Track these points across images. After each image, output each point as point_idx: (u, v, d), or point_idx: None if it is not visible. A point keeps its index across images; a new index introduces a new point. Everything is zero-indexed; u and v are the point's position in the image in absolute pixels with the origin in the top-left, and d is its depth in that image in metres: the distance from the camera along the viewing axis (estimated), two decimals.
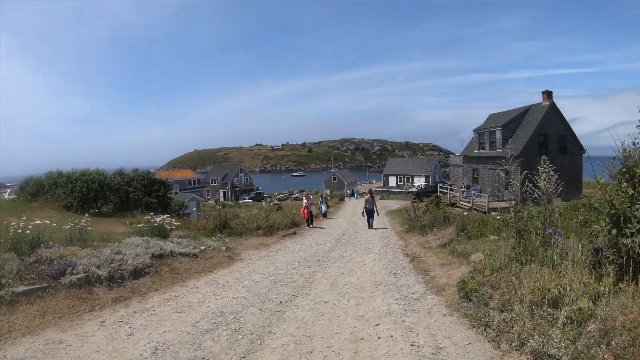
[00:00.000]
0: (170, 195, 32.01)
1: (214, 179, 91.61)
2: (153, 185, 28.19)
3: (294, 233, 18.10)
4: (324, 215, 26.71)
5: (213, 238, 13.69)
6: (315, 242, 15.51)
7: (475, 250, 10.14)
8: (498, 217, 21.25)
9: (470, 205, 30.23)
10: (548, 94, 32.39)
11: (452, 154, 78.92)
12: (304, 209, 20.27)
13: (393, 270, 9.72)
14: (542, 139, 31.57)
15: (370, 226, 19.46)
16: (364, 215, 19.97)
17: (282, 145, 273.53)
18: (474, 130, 37.96)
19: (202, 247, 11.75)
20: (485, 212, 26.38)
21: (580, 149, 33.16)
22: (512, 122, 33.46)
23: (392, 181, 78.26)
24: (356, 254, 12.49)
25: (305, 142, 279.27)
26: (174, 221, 13.58)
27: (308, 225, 20.39)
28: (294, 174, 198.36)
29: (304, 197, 21.14)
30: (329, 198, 39.37)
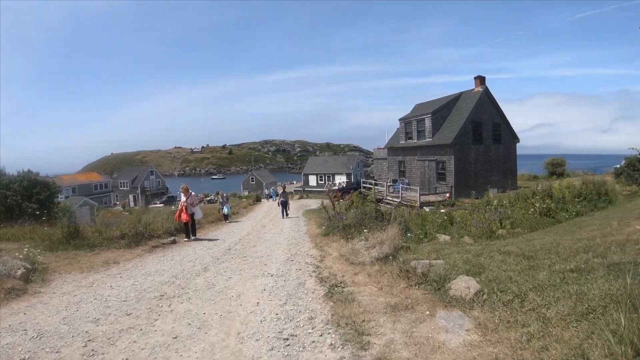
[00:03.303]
0: (57, 199, 24.79)
1: (123, 183, 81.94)
2: (33, 188, 21.07)
3: (173, 242, 12.49)
4: (226, 218, 20.70)
5: (18, 254, 7.99)
6: (191, 255, 10.23)
7: (452, 268, 5.13)
8: (442, 211, 16.79)
9: (399, 201, 25.97)
10: (481, 80, 28.88)
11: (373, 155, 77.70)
12: (181, 211, 13.33)
13: (287, 327, 4.53)
14: (475, 127, 28.04)
15: (284, 215, 21.64)
16: (279, 206, 23.20)
17: (202, 147, 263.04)
18: (400, 119, 33.91)
19: None
20: (415, 207, 21.97)
21: (515, 138, 30.16)
22: (442, 109, 29.72)
23: (313, 180, 74.68)
24: (238, 277, 7.30)
25: (225, 144, 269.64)
26: None
27: (188, 237, 13.18)
28: (214, 176, 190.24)
29: (182, 194, 13.50)
30: (230, 198, 32.99)
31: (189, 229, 13.20)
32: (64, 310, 5.43)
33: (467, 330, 3.71)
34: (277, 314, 4.96)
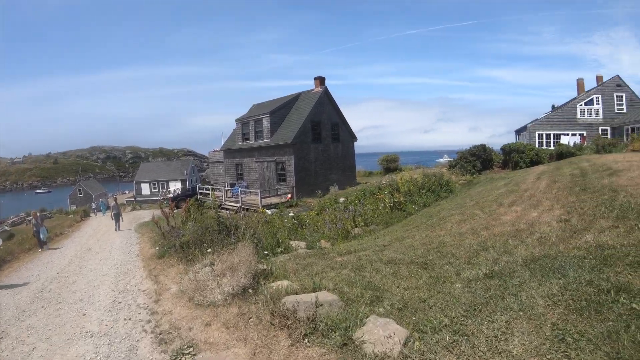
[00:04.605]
0: None
1: None
2: None
3: None
4: (43, 244, 15.87)
5: None
6: None
7: (349, 303, 3.65)
8: (290, 215, 15.49)
9: (239, 205, 24.15)
10: (321, 80, 28.71)
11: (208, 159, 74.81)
12: None
13: None
14: (315, 126, 27.66)
15: (117, 228, 20.52)
16: (112, 219, 21.70)
17: (24, 157, 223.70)
18: (237, 120, 31.97)
19: None
20: (262, 212, 20.51)
21: (353, 137, 30.53)
22: (281, 108, 28.73)
23: (146, 189, 68.60)
24: (45, 346, 4.90)
25: (50, 153, 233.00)
26: None
27: None
28: (38, 190, 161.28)
29: None
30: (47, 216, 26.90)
31: None
32: None
33: None
34: None
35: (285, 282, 4.85)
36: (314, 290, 4.29)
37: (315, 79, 28.74)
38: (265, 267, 5.70)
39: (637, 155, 13.06)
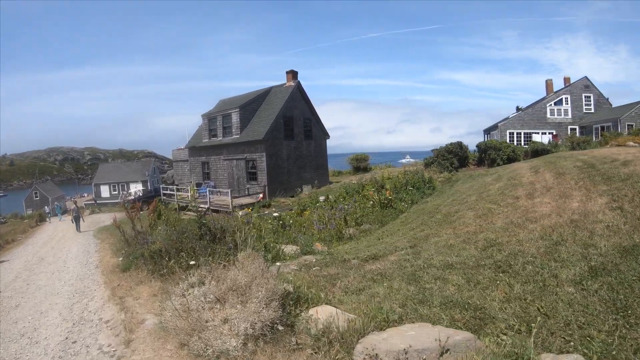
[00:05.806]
0: None
1: None
2: None
3: None
4: None
5: None
6: None
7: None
8: (275, 215, 13.93)
9: (207, 206, 22.25)
10: (294, 74, 27.19)
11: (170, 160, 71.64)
12: None
13: None
14: (287, 122, 26.06)
15: (78, 230, 20.46)
16: (72, 222, 21.82)
17: None
18: (203, 115, 29.85)
19: None
20: (250, 213, 18.79)
21: (325, 134, 29.22)
22: (251, 103, 27.02)
23: (105, 191, 65.20)
24: None
25: (6, 154, 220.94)
26: None
27: None
28: None
29: None
30: None
31: None
32: None
33: None
34: None
35: (331, 310, 3.35)
36: (387, 321, 2.83)
37: (287, 72, 27.01)
38: (291, 287, 4.09)
39: (632, 148, 12.53)
